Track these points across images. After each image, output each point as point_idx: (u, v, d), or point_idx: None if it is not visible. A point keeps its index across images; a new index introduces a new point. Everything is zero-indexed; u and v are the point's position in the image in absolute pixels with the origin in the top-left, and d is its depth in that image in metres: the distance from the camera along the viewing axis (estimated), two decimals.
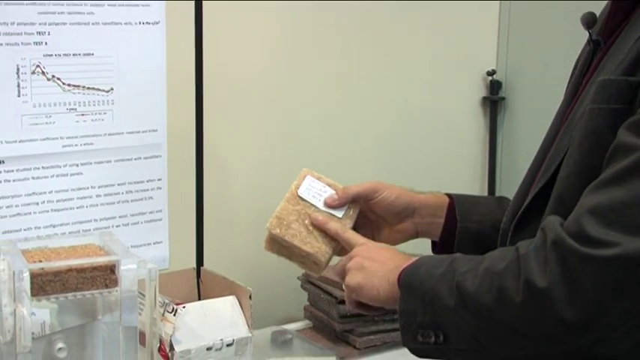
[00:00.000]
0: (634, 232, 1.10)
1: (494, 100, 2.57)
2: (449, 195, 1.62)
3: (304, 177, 1.61)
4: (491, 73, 2.56)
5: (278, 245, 1.58)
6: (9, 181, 1.93)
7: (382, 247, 1.50)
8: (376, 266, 1.42)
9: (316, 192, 1.59)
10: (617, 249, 1.10)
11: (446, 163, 2.54)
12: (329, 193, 1.60)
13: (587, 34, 1.41)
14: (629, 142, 1.14)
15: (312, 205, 1.59)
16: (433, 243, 1.63)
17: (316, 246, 1.56)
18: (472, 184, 2.59)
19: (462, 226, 1.57)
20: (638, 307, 1.14)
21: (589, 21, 1.42)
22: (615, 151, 1.16)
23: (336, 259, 1.58)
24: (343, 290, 1.66)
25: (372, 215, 1.61)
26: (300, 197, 1.59)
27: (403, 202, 1.59)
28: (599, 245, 1.11)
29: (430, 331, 1.28)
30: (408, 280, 1.33)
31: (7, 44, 1.88)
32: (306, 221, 1.57)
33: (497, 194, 2.56)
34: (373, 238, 1.60)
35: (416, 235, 1.62)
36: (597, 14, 1.42)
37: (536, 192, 1.31)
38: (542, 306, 1.15)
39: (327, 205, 1.59)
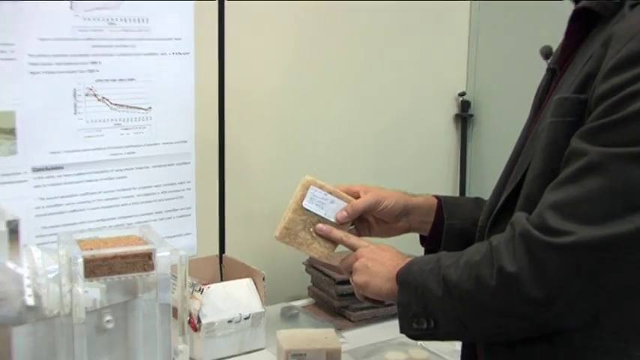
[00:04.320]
0: (587, 223, 1.11)
1: (464, 116, 2.56)
2: (437, 197, 1.61)
3: (308, 186, 1.55)
4: (462, 95, 2.56)
5: (284, 244, 1.56)
6: (67, 183, 1.93)
7: (382, 248, 1.48)
8: (378, 267, 1.43)
9: (319, 200, 1.55)
10: (573, 237, 1.11)
11: (425, 168, 2.53)
12: (330, 200, 1.56)
13: (544, 63, 1.42)
14: (580, 148, 1.14)
15: (315, 214, 1.55)
16: (422, 237, 1.62)
17: (320, 250, 1.55)
18: (446, 186, 2.58)
19: (448, 224, 1.57)
20: (593, 286, 1.14)
21: (547, 53, 1.43)
22: (570, 155, 1.16)
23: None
24: (340, 274, 1.67)
25: (371, 217, 1.60)
26: (305, 208, 1.55)
27: (400, 206, 1.57)
28: (558, 234, 1.12)
29: (423, 319, 1.29)
30: (404, 277, 1.34)
31: (67, 72, 1.89)
32: (311, 229, 1.55)
33: (466, 194, 2.56)
34: (370, 233, 1.62)
35: (408, 230, 1.62)
36: (553, 47, 1.42)
37: (507, 194, 1.30)
38: (512, 288, 1.16)
39: (339, 221, 1.56)
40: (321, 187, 1.56)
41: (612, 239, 1.10)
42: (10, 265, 1.56)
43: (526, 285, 1.15)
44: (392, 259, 1.43)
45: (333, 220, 1.55)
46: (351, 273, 1.49)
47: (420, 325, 1.30)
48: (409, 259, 1.39)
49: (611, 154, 1.11)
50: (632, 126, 1.09)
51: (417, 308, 1.30)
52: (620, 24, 1.17)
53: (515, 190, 1.28)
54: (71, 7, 1.86)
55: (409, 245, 1.58)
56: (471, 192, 2.55)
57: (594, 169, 1.12)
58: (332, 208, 1.56)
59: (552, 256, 1.13)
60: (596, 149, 1.12)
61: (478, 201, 1.62)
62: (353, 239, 1.54)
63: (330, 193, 1.56)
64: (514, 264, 1.15)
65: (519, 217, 1.19)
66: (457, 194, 2.58)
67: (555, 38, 1.37)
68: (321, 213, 1.55)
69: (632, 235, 1.10)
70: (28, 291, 1.47)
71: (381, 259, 1.44)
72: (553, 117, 1.22)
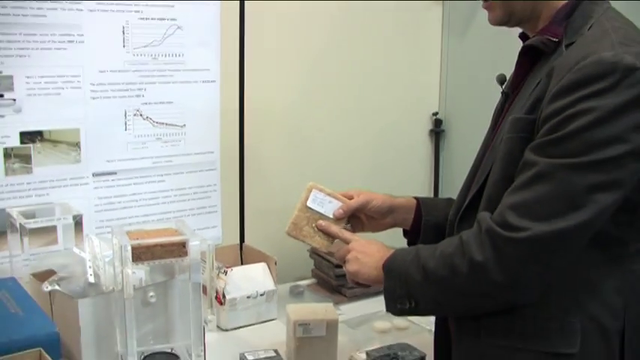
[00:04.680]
0: (538, 220, 1.12)
1: (437, 132, 2.53)
2: (416, 198, 1.59)
3: (311, 190, 1.55)
4: (435, 114, 2.53)
5: (293, 238, 1.55)
6: (119, 186, 1.95)
7: (370, 242, 1.46)
8: (367, 259, 1.42)
9: (320, 201, 1.55)
10: (528, 232, 1.12)
11: (405, 173, 2.50)
12: (329, 200, 1.55)
13: (500, 88, 1.42)
14: (531, 159, 1.15)
15: (317, 212, 1.55)
16: (404, 231, 1.60)
17: (320, 242, 1.54)
18: (423, 187, 2.55)
19: (425, 220, 1.55)
20: (544, 270, 1.16)
21: (501, 80, 1.43)
22: (523, 165, 1.17)
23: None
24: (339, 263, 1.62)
25: (362, 215, 1.58)
26: (309, 207, 1.54)
27: (387, 205, 1.56)
28: (516, 230, 1.13)
29: (405, 300, 1.29)
30: (389, 266, 1.33)
31: (119, 97, 1.91)
32: (314, 224, 1.54)
33: (439, 194, 2.53)
34: (363, 229, 1.60)
35: (394, 226, 1.60)
36: (507, 75, 1.42)
37: (472, 195, 1.31)
38: (480, 274, 1.17)
39: (336, 216, 1.54)
40: (321, 190, 1.56)
41: (557, 233, 1.12)
42: (76, 250, 1.60)
43: (492, 272, 1.16)
44: (379, 251, 1.41)
45: (331, 216, 1.55)
46: (344, 262, 1.48)
47: (403, 305, 1.30)
48: (393, 251, 1.38)
49: (556, 164, 1.12)
50: (573, 141, 1.11)
51: (401, 291, 1.29)
52: (560, 59, 1.19)
53: (478, 191, 1.29)
54: (124, 46, 1.89)
55: (394, 237, 1.58)
56: (443, 192, 2.54)
57: (543, 177, 1.13)
58: (330, 207, 1.55)
59: (512, 248, 1.14)
60: (544, 160, 1.13)
61: (450, 201, 1.58)
62: (346, 234, 1.52)
63: (329, 195, 1.56)
64: (481, 255, 1.17)
65: (484, 216, 1.20)
66: (432, 194, 2.54)
67: (509, 67, 1.36)
68: (322, 211, 1.54)
69: (571, 230, 1.12)
70: (90, 271, 1.50)
71: (370, 252, 1.43)
72: (509, 133, 1.22)
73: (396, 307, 1.31)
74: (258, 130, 2.18)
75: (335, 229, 1.54)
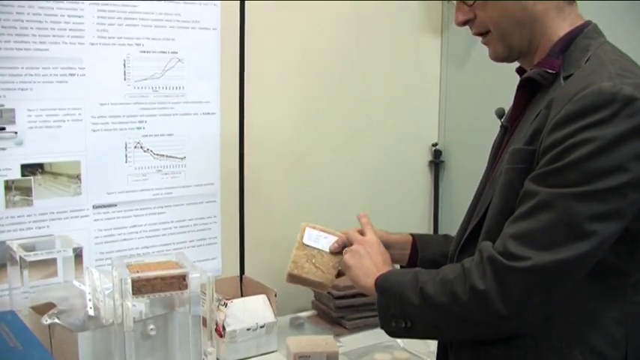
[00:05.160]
0: (540, 249, 1.12)
1: (437, 162, 2.53)
2: (412, 235, 1.58)
3: (304, 229, 1.56)
4: (434, 145, 2.53)
5: (295, 280, 1.54)
6: (120, 217, 1.95)
7: (380, 250, 1.45)
8: (366, 261, 1.42)
9: (315, 238, 1.55)
10: (530, 261, 1.12)
11: (405, 204, 2.50)
12: (324, 236, 1.56)
13: (499, 121, 1.43)
14: (532, 189, 1.15)
15: (314, 248, 1.55)
16: (401, 267, 1.56)
17: (323, 276, 1.53)
18: (422, 218, 2.54)
19: (421, 256, 1.55)
20: (545, 300, 1.15)
21: (500, 113, 1.44)
22: (524, 195, 1.17)
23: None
24: (337, 291, 1.61)
25: None
26: (306, 245, 1.55)
27: (382, 240, 1.52)
28: (518, 259, 1.13)
29: (401, 319, 1.28)
30: (383, 285, 1.32)
31: (120, 129, 1.92)
32: (313, 260, 1.54)
33: (439, 228, 2.51)
34: None
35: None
36: (505, 108, 1.43)
37: (472, 227, 1.30)
38: (481, 302, 1.17)
39: (332, 250, 1.54)
40: (314, 228, 1.57)
41: (559, 263, 1.11)
42: (76, 283, 1.60)
43: (493, 300, 1.15)
44: (383, 262, 1.41)
45: (327, 250, 1.55)
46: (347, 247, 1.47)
47: (398, 324, 1.28)
48: (390, 269, 1.37)
49: (557, 193, 1.12)
50: (574, 171, 1.11)
51: (396, 311, 1.28)
52: (558, 91, 1.20)
53: (478, 223, 1.28)
54: (125, 79, 1.90)
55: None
56: (443, 223, 2.53)
57: (545, 206, 1.13)
58: (326, 242, 1.56)
59: (514, 277, 1.14)
60: (546, 190, 1.13)
61: (447, 237, 1.59)
62: (367, 227, 1.51)
63: (323, 231, 1.57)
64: (483, 283, 1.16)
65: (486, 245, 1.19)
66: (432, 226, 2.53)
67: (509, 98, 1.37)
68: (318, 246, 1.55)
69: (573, 259, 1.12)
70: (90, 304, 1.50)
71: (374, 256, 1.42)
72: (508, 164, 1.23)
73: (390, 325, 1.30)
74: (258, 162, 2.18)
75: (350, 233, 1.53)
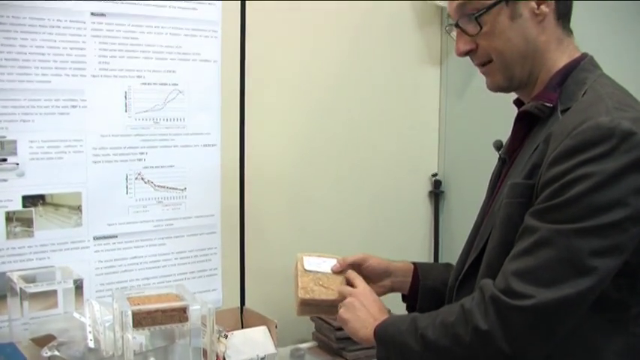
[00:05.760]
0: (543, 286, 1.12)
1: (436, 193, 2.53)
2: (413, 263, 1.59)
3: (302, 258, 1.57)
4: (434, 175, 2.54)
5: (307, 308, 1.53)
6: (120, 249, 1.95)
7: (373, 298, 1.44)
8: (362, 313, 1.40)
9: (315, 264, 1.56)
10: (533, 300, 1.11)
11: (403, 236, 2.49)
12: (322, 260, 1.57)
13: (496, 156, 1.44)
14: (532, 225, 1.15)
15: (317, 271, 1.55)
16: (403, 295, 1.59)
17: (334, 293, 1.50)
18: (422, 250, 2.54)
19: (423, 284, 1.54)
20: (548, 337, 1.15)
21: (498, 146, 1.45)
22: (524, 231, 1.17)
23: None
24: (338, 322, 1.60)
25: (361, 275, 1.54)
26: (308, 270, 1.55)
27: (383, 267, 1.56)
28: (521, 297, 1.12)
29: None
30: (382, 336, 1.32)
31: (121, 161, 1.93)
32: (320, 282, 1.53)
33: (440, 258, 2.51)
34: None
35: (392, 290, 1.58)
36: (503, 140, 1.44)
37: (471, 261, 1.30)
38: (485, 343, 1.16)
39: (334, 271, 1.54)
40: (310, 255, 1.59)
41: (562, 300, 1.11)
42: (76, 315, 1.60)
43: (497, 340, 1.15)
44: (379, 312, 1.40)
45: (330, 272, 1.55)
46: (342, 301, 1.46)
47: None
48: (387, 317, 1.36)
49: (557, 230, 1.12)
50: (574, 206, 1.11)
51: None
52: (556, 125, 1.20)
53: (477, 257, 1.29)
54: (126, 111, 1.92)
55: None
56: (444, 253, 2.52)
57: (545, 243, 1.13)
58: (327, 265, 1.56)
59: (517, 316, 1.14)
60: (546, 226, 1.13)
61: (448, 266, 1.59)
62: (358, 279, 1.49)
63: (320, 256, 1.58)
64: (486, 323, 1.15)
65: (487, 283, 1.19)
66: (432, 256, 2.53)
67: (508, 128, 1.38)
68: (321, 270, 1.55)
69: (575, 296, 1.12)
70: (90, 336, 1.50)
71: (369, 307, 1.41)
72: (507, 198, 1.23)
73: None
74: (259, 193, 2.18)
75: (350, 273, 1.53)
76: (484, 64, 1.34)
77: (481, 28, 1.29)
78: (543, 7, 1.28)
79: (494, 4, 1.28)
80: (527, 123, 1.31)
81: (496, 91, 1.36)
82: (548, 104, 1.26)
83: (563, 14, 1.31)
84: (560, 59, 1.30)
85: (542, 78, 1.31)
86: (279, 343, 1.95)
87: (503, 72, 1.32)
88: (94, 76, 1.86)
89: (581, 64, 1.29)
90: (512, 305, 1.13)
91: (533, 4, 1.28)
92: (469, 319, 1.18)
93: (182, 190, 2.04)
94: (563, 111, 1.23)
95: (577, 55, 1.31)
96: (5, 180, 1.77)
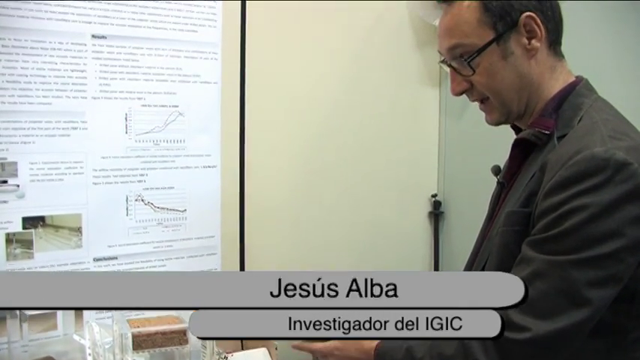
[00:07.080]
0: (540, 318, 1.12)
1: (436, 214, 2.53)
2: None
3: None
4: (434, 196, 2.54)
5: None
6: (120, 270, 1.93)
7: (351, 342, 1.38)
8: (350, 353, 1.37)
9: None
10: (531, 332, 1.12)
11: (403, 257, 2.49)
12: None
13: (495, 178, 1.45)
14: (529, 255, 1.16)
15: None
16: None
17: None
18: (422, 269, 2.52)
19: None
20: None
21: (496, 171, 1.46)
22: (520, 261, 1.18)
23: None
24: None
25: None
26: None
27: None
28: (519, 330, 1.13)
29: None
30: None
31: (121, 182, 1.93)
32: None
33: None
34: None
35: None
36: (500, 165, 1.45)
37: None
38: None
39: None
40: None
41: (560, 332, 1.12)
42: (76, 337, 1.60)
43: None
44: (363, 346, 1.36)
45: None
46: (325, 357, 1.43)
47: None
48: (377, 343, 1.32)
49: (554, 261, 1.13)
50: (570, 238, 1.12)
51: None
52: (552, 153, 1.21)
53: None
54: (126, 132, 1.93)
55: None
56: None
57: (542, 274, 1.13)
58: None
59: (516, 350, 1.14)
60: (543, 257, 1.14)
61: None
62: (308, 346, 1.45)
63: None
64: (486, 356, 1.16)
65: None
66: None
67: (507, 148, 1.38)
68: None
69: (573, 327, 1.12)
70: (89, 359, 1.50)
71: (350, 346, 1.38)
72: (504, 226, 1.24)
73: None
74: (259, 214, 2.18)
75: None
76: (481, 100, 1.36)
77: (474, 71, 1.30)
78: (534, 42, 1.29)
79: (486, 47, 1.28)
80: (524, 149, 1.32)
81: (495, 125, 1.38)
82: (545, 131, 1.27)
83: (554, 41, 1.32)
84: (554, 86, 1.31)
85: (538, 106, 1.32)
86: None
87: (501, 109, 1.33)
88: (94, 97, 1.88)
89: (577, 89, 1.30)
90: (511, 339, 1.13)
91: (525, 41, 1.28)
92: (468, 353, 1.18)
93: (182, 211, 2.05)
94: (560, 137, 1.24)
95: (571, 79, 1.33)
96: (5, 202, 1.78)
